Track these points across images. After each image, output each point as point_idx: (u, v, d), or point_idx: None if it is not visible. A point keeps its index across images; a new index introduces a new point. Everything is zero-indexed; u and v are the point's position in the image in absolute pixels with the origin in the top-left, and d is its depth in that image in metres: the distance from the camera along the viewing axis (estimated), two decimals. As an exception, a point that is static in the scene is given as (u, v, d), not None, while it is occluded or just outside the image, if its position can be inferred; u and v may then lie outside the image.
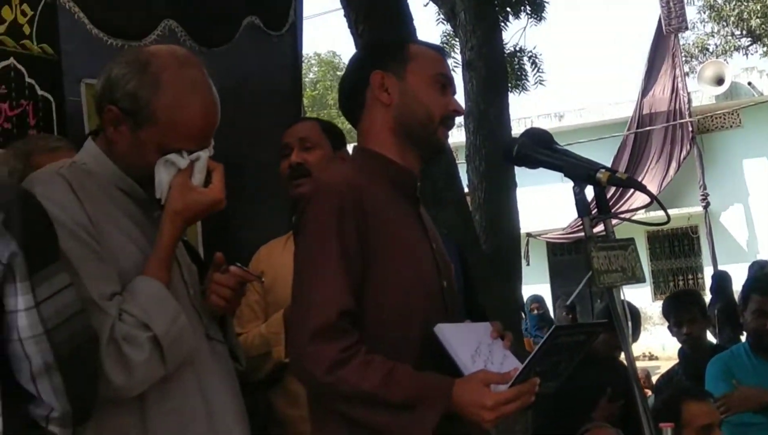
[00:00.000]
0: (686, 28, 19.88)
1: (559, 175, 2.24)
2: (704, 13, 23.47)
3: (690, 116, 18.39)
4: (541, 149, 2.27)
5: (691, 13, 22.14)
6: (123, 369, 1.92)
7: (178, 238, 2.13)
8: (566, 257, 20.28)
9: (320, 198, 2.17)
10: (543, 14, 9.36)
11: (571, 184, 2.19)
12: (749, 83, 18.95)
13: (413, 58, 2.33)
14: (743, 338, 5.12)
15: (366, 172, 2.26)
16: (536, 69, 9.89)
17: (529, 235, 17.38)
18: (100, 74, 2.14)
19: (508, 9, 8.85)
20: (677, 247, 20.19)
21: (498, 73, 6.73)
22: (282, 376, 2.82)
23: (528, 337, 9.93)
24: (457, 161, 5.93)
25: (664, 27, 18.59)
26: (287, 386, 2.81)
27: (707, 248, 17.88)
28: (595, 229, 2.19)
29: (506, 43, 8.41)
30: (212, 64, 2.31)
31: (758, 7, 22.13)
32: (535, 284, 16.01)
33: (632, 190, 2.33)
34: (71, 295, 1.80)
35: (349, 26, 5.57)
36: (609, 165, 2.22)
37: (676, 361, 5.35)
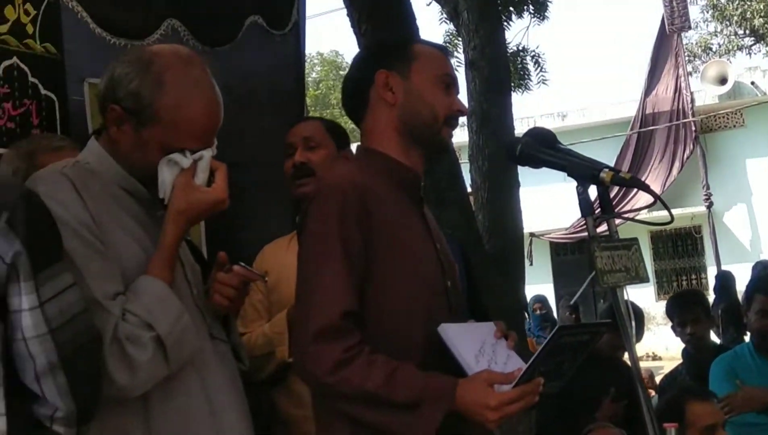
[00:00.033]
0: (689, 28, 19.87)
1: (562, 174, 2.24)
2: (707, 12, 23.48)
3: (693, 116, 18.38)
4: (545, 149, 2.27)
5: (694, 12, 22.17)
6: (126, 368, 1.92)
7: (181, 238, 2.13)
8: (569, 257, 20.27)
9: (323, 198, 2.17)
10: (546, 14, 9.37)
11: (574, 183, 2.19)
12: (752, 83, 18.93)
13: (418, 58, 2.33)
14: (747, 338, 5.11)
15: (370, 172, 2.26)
16: (539, 68, 9.89)
17: (532, 234, 17.34)
18: (103, 73, 2.14)
19: (511, 8, 8.85)
20: (680, 247, 20.17)
21: (501, 72, 6.73)
22: (286, 376, 2.82)
23: (531, 337, 9.92)
24: (460, 161, 5.92)
25: (667, 26, 18.58)
26: (291, 386, 2.81)
27: (710, 248, 17.88)
28: (599, 229, 2.19)
29: (509, 43, 8.42)
30: (215, 64, 2.32)
31: (761, 7, 22.12)
32: (539, 284, 15.98)
33: (635, 190, 2.33)
34: (75, 294, 1.80)
35: (352, 26, 5.57)
36: (612, 164, 2.22)
37: (680, 361, 5.35)
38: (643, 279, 2.23)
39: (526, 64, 9.84)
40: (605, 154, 15.43)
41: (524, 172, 4.78)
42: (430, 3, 8.45)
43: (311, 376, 2.08)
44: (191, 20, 3.78)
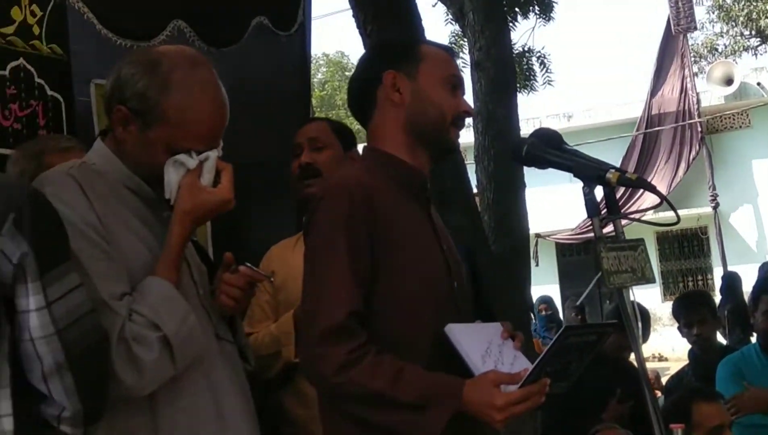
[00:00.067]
0: (695, 29, 19.84)
1: (568, 175, 2.24)
2: (713, 13, 23.44)
3: (699, 117, 18.35)
4: (551, 149, 2.27)
5: (700, 13, 22.12)
6: (133, 369, 1.92)
7: (187, 238, 2.13)
8: (575, 258, 20.25)
9: (330, 198, 2.17)
10: (551, 14, 9.36)
11: (580, 184, 2.18)
12: (758, 83, 18.90)
13: (425, 59, 2.33)
14: (753, 339, 5.11)
15: (376, 173, 2.26)
16: (545, 69, 9.89)
17: (538, 235, 17.36)
18: (110, 74, 2.14)
19: (517, 9, 8.85)
20: (687, 248, 20.14)
21: (507, 73, 6.72)
22: (292, 376, 2.82)
23: (536, 337, 9.91)
24: (465, 162, 5.92)
25: (672, 27, 18.55)
26: (298, 386, 2.81)
27: (717, 249, 17.84)
28: (605, 230, 2.18)
29: (515, 44, 8.40)
30: (221, 65, 2.32)
31: None
32: (544, 285, 15.98)
33: (641, 191, 2.33)
34: (82, 295, 1.81)
35: (358, 27, 5.57)
36: (618, 165, 2.22)
37: (686, 362, 5.34)
38: (650, 280, 2.23)
39: (532, 64, 9.84)
40: (611, 154, 15.41)
41: (530, 173, 4.79)
42: (436, 4, 8.45)
43: (318, 376, 2.08)
44: (197, 21, 3.80)
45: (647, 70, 20.38)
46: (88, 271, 1.91)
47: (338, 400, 2.11)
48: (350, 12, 5.71)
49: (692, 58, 19.82)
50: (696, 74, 19.81)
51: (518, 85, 8.14)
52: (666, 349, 17.21)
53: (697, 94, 18.59)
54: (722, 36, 23.69)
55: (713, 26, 23.77)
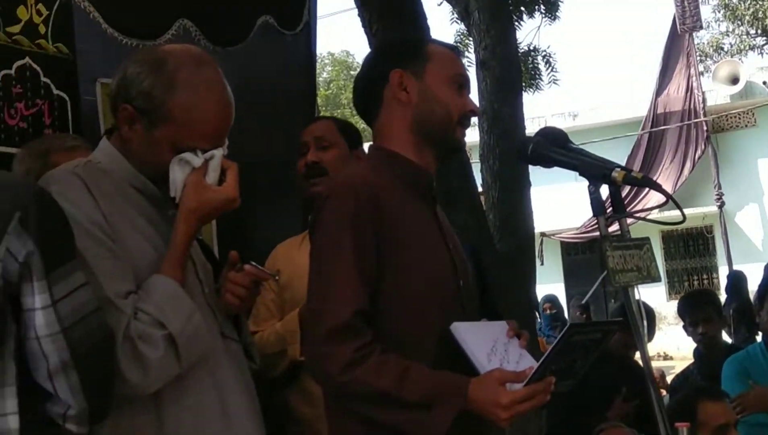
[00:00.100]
0: (701, 28, 19.78)
1: (573, 174, 2.24)
2: (719, 12, 23.39)
3: (705, 116, 18.32)
4: (557, 148, 2.27)
5: (706, 12, 22.05)
6: (138, 367, 1.92)
7: (192, 237, 2.13)
8: (580, 257, 20.23)
9: (336, 197, 2.17)
10: (557, 13, 9.37)
11: (585, 183, 2.18)
12: (764, 82, 18.85)
13: (431, 58, 2.33)
14: (759, 338, 5.10)
15: (382, 171, 2.26)
16: (550, 68, 9.89)
17: (543, 234, 17.31)
18: (115, 73, 2.15)
19: (522, 8, 8.85)
20: (692, 247, 20.11)
21: (512, 72, 6.73)
22: (298, 375, 2.82)
23: (541, 336, 9.91)
24: (470, 160, 5.92)
25: (678, 26, 18.51)
26: (303, 385, 2.81)
27: (722, 248, 17.80)
28: (610, 229, 2.18)
29: (520, 43, 8.41)
30: (226, 64, 2.32)
31: (773, 7, 22.05)
32: (550, 284, 15.97)
33: (647, 190, 2.33)
34: (87, 293, 1.81)
35: (363, 26, 5.57)
36: (623, 164, 2.21)
37: (691, 361, 5.34)
38: (655, 278, 2.22)
39: (537, 63, 9.85)
40: (616, 153, 15.37)
41: (535, 172, 4.79)
42: (441, 3, 8.46)
43: (324, 375, 2.08)
44: (203, 20, 3.80)
45: (653, 69, 20.32)
46: (93, 269, 1.92)
47: (344, 398, 2.11)
48: (356, 11, 5.71)
49: (698, 57, 19.79)
50: (702, 73, 19.77)
51: (523, 84, 8.14)
52: (671, 347, 17.18)
53: (703, 93, 18.55)
54: (728, 35, 23.65)
55: (719, 25, 23.76)
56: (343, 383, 2.03)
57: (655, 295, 16.17)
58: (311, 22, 4.44)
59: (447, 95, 2.30)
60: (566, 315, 12.02)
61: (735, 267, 14.00)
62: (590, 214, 2.17)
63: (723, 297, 8.80)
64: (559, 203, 17.14)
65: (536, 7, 9.14)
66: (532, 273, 6.38)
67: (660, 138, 18.88)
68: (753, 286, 6.03)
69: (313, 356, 2.10)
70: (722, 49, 23.52)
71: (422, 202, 2.31)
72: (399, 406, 2.01)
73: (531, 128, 5.27)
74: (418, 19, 5.41)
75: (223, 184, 2.13)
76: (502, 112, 6.43)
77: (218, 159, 2.13)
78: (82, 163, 2.14)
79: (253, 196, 2.61)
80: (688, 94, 18.60)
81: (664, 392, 5.78)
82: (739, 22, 23.06)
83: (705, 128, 18.31)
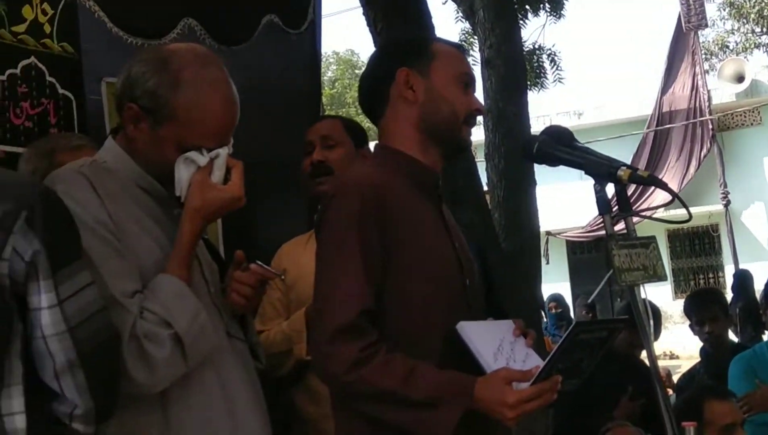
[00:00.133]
0: (706, 26, 19.75)
1: (579, 172, 2.24)
2: (724, 10, 23.33)
3: (710, 114, 18.29)
4: (562, 147, 2.27)
5: (711, 10, 22.00)
6: (145, 366, 1.92)
7: (198, 236, 2.13)
8: (586, 256, 20.21)
9: (341, 196, 2.17)
10: (562, 12, 9.35)
11: (590, 182, 2.18)
12: (770, 80, 18.83)
13: (437, 56, 2.32)
14: (765, 337, 5.10)
15: (388, 170, 2.26)
16: (555, 66, 9.88)
17: (548, 233, 17.33)
18: (121, 72, 2.15)
19: (527, 6, 8.83)
20: (698, 246, 20.08)
21: (517, 70, 6.72)
22: (304, 374, 2.82)
23: (547, 335, 9.90)
24: (476, 159, 5.91)
25: (683, 24, 18.49)
26: (309, 384, 2.81)
27: (728, 246, 17.77)
28: (616, 227, 2.18)
29: (525, 41, 8.39)
30: (231, 63, 2.32)
31: (779, 4, 22.00)
32: (555, 283, 15.95)
33: (652, 188, 2.33)
34: (93, 293, 1.81)
35: (368, 24, 5.57)
36: (629, 163, 2.21)
37: (697, 360, 5.33)
38: (661, 277, 2.22)
39: (542, 62, 9.83)
40: (622, 152, 15.35)
41: (540, 171, 4.78)
42: (446, 1, 8.44)
43: (330, 374, 2.08)
44: (208, 19, 3.80)
45: (658, 67, 20.28)
46: (99, 269, 1.92)
47: (350, 398, 2.11)
48: (360, 10, 5.71)
49: (703, 56, 19.75)
50: (707, 71, 19.73)
51: (528, 82, 8.13)
52: (677, 347, 17.16)
53: (708, 91, 18.52)
54: (733, 33, 23.60)
55: (724, 23, 23.70)
56: (349, 383, 2.03)
57: (660, 294, 16.14)
58: (316, 20, 4.44)
59: (453, 94, 2.29)
60: (572, 314, 12.00)
61: (741, 266, 13.98)
62: (596, 212, 2.17)
63: (729, 296, 8.79)
64: (564, 202, 17.12)
65: (541, 5, 9.13)
66: (538, 272, 6.37)
67: (665, 136, 18.86)
68: (759, 284, 6.03)
69: (319, 355, 2.10)
70: (727, 47, 23.47)
71: (428, 200, 2.30)
72: (405, 406, 2.01)
73: (536, 127, 5.27)
74: (422, 18, 5.41)
75: (229, 182, 2.13)
76: (507, 110, 6.42)
77: (223, 158, 2.13)
78: (87, 162, 2.14)
79: (258, 195, 2.61)
80: (694, 92, 18.57)
81: (670, 391, 5.78)
82: (745, 20, 23.00)
83: (710, 127, 18.28)
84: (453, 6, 8.44)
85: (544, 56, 9.84)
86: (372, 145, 2.54)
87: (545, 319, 10.36)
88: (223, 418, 2.09)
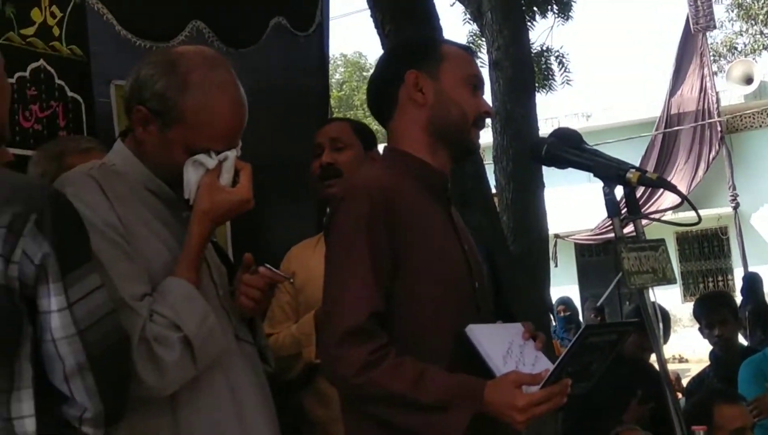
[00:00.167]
0: (714, 27, 19.70)
1: (587, 175, 2.23)
2: (732, 11, 23.29)
3: (719, 116, 18.22)
4: (571, 149, 2.26)
5: (719, 11, 21.95)
6: (154, 369, 1.92)
7: (206, 239, 2.13)
8: (595, 259, 20.16)
9: (351, 199, 2.16)
10: (570, 13, 9.34)
11: (599, 184, 2.17)
12: (779, 82, 18.77)
13: (446, 59, 2.32)
14: (774, 340, 5.08)
15: (397, 173, 2.25)
16: (563, 68, 9.86)
17: (557, 236, 17.28)
18: (129, 75, 2.15)
19: (535, 8, 8.83)
20: (707, 249, 20.03)
21: (525, 72, 6.71)
22: (313, 377, 2.82)
23: (555, 339, 9.89)
24: (484, 162, 5.91)
25: (691, 26, 18.43)
26: (318, 387, 2.81)
27: (737, 249, 17.71)
28: (625, 230, 2.17)
29: (533, 43, 8.38)
30: (239, 65, 2.32)
31: (787, 6, 21.95)
32: (564, 286, 15.93)
33: (661, 191, 2.32)
34: (103, 296, 1.81)
35: (376, 27, 5.57)
36: (637, 165, 2.20)
37: (707, 363, 5.31)
38: (671, 280, 2.21)
39: (550, 64, 9.81)
40: (630, 154, 15.31)
41: (548, 173, 4.77)
42: (454, 3, 8.45)
43: (339, 377, 2.08)
44: (216, 22, 3.81)
45: (666, 69, 20.29)
46: (108, 271, 1.92)
47: (359, 401, 2.11)
48: (368, 12, 5.71)
49: (711, 57, 19.70)
50: (715, 73, 19.67)
51: (537, 84, 8.11)
52: (686, 350, 17.12)
53: (717, 93, 18.46)
54: (742, 35, 23.55)
55: (732, 25, 23.65)
56: (358, 386, 2.03)
57: (669, 297, 16.11)
58: (324, 23, 4.44)
59: (462, 96, 2.29)
60: (581, 317, 11.98)
61: (750, 268, 13.93)
62: (604, 215, 2.16)
63: (738, 299, 8.77)
64: (573, 204, 17.09)
65: (549, 7, 9.12)
66: (546, 275, 6.35)
67: (674, 139, 18.80)
68: (769, 287, 6.00)
69: (328, 358, 2.10)
70: (736, 48, 23.42)
71: (437, 203, 2.30)
72: (415, 409, 2.01)
73: (544, 129, 5.26)
74: (430, 20, 5.40)
75: (237, 185, 2.13)
76: (515, 112, 6.41)
77: (232, 160, 2.13)
78: (96, 165, 2.15)
79: (267, 198, 2.61)
80: (702, 94, 18.51)
81: (680, 395, 5.76)
82: (753, 22, 22.96)
83: (719, 129, 18.22)
84: (461, 8, 8.45)
85: (552, 58, 9.83)
86: (381, 147, 2.54)
87: (554, 323, 10.33)
88: (231, 421, 2.09)
